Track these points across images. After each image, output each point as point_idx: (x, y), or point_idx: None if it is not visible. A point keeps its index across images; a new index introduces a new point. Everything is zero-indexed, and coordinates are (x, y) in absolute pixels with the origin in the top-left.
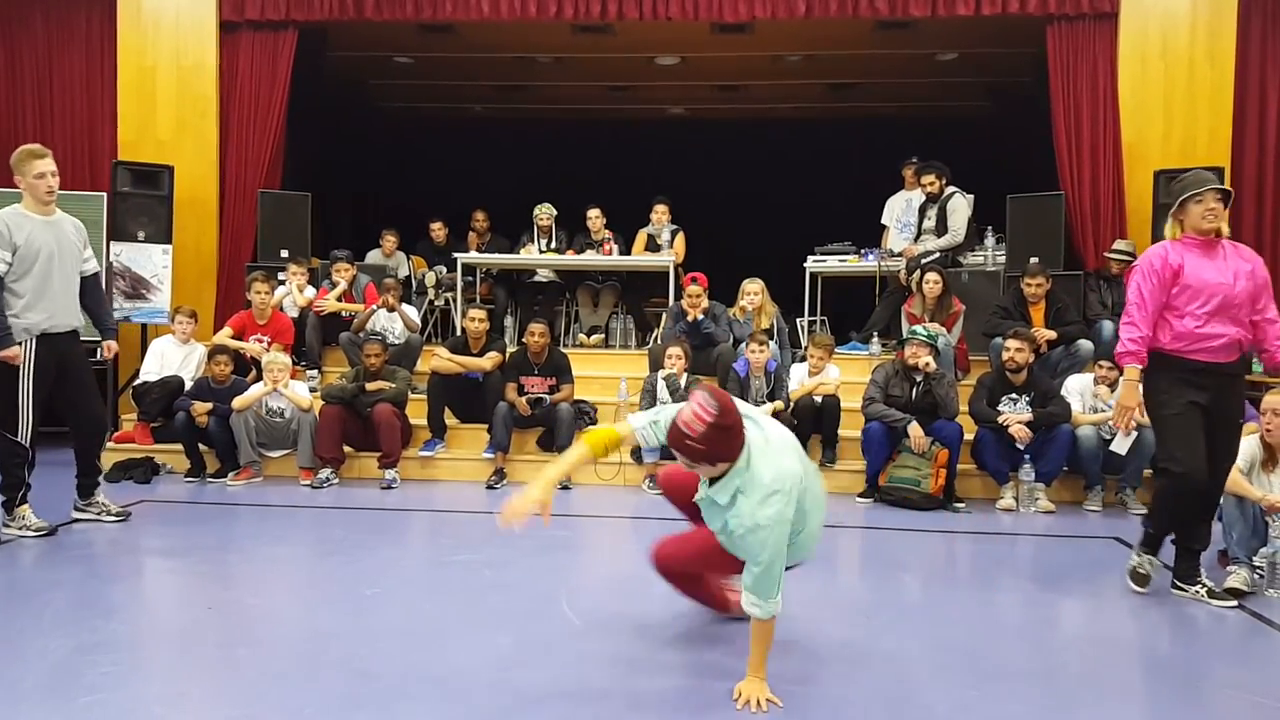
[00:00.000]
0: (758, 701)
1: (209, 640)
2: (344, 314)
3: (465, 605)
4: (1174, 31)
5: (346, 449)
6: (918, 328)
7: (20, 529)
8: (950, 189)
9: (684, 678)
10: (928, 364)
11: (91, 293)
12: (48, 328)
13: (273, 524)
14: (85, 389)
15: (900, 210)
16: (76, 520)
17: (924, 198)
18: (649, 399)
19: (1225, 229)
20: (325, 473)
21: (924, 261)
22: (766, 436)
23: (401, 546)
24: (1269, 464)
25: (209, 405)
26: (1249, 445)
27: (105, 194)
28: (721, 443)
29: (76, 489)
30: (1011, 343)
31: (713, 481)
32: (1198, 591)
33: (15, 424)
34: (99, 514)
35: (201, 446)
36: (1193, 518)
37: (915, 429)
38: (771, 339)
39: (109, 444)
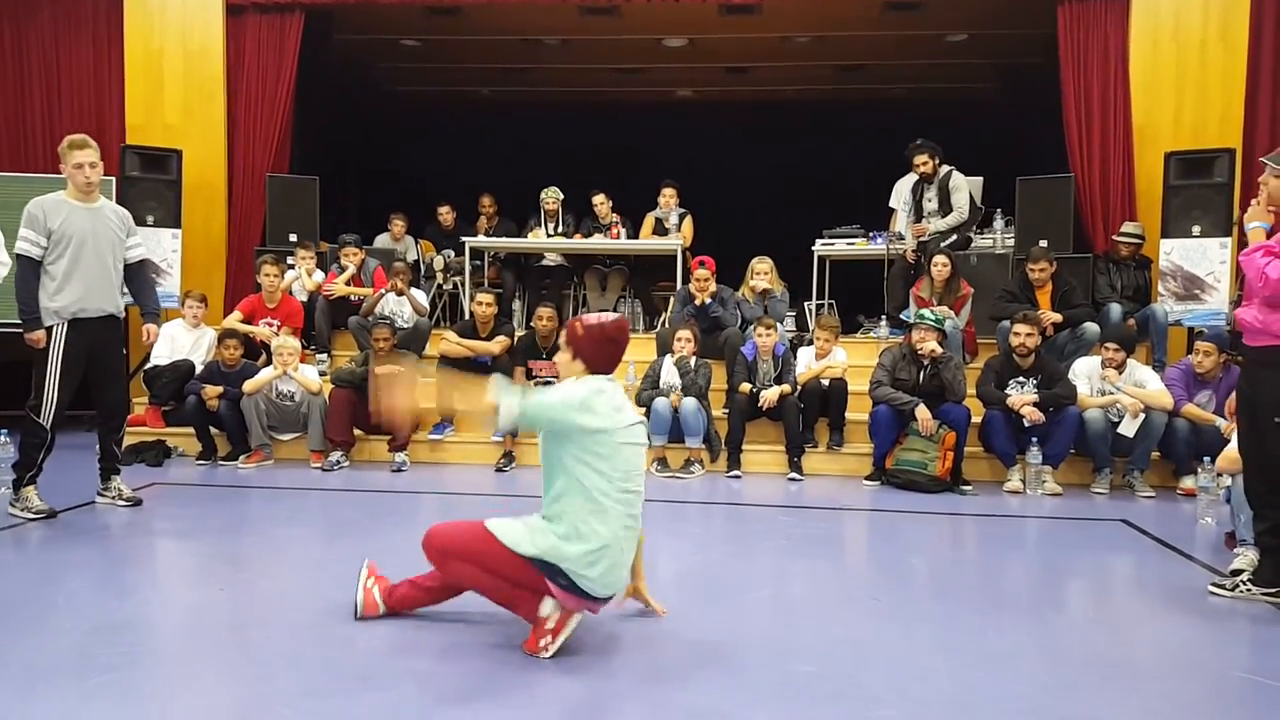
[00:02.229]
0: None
1: (221, 621)
2: (353, 298)
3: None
4: (1186, 12)
5: (356, 432)
6: (925, 311)
7: (22, 510)
8: (945, 168)
9: (687, 660)
10: (933, 350)
11: (135, 278)
12: (78, 311)
13: (283, 506)
14: (111, 375)
15: (909, 193)
16: (94, 503)
17: (916, 178)
18: (650, 383)
19: None
20: (335, 455)
21: (941, 244)
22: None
23: (411, 529)
24: None
25: (220, 389)
26: None
27: (114, 178)
28: (593, 346)
29: (99, 473)
30: (1021, 327)
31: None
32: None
33: (39, 407)
34: (114, 498)
35: (212, 430)
36: None
37: (923, 412)
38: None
39: None
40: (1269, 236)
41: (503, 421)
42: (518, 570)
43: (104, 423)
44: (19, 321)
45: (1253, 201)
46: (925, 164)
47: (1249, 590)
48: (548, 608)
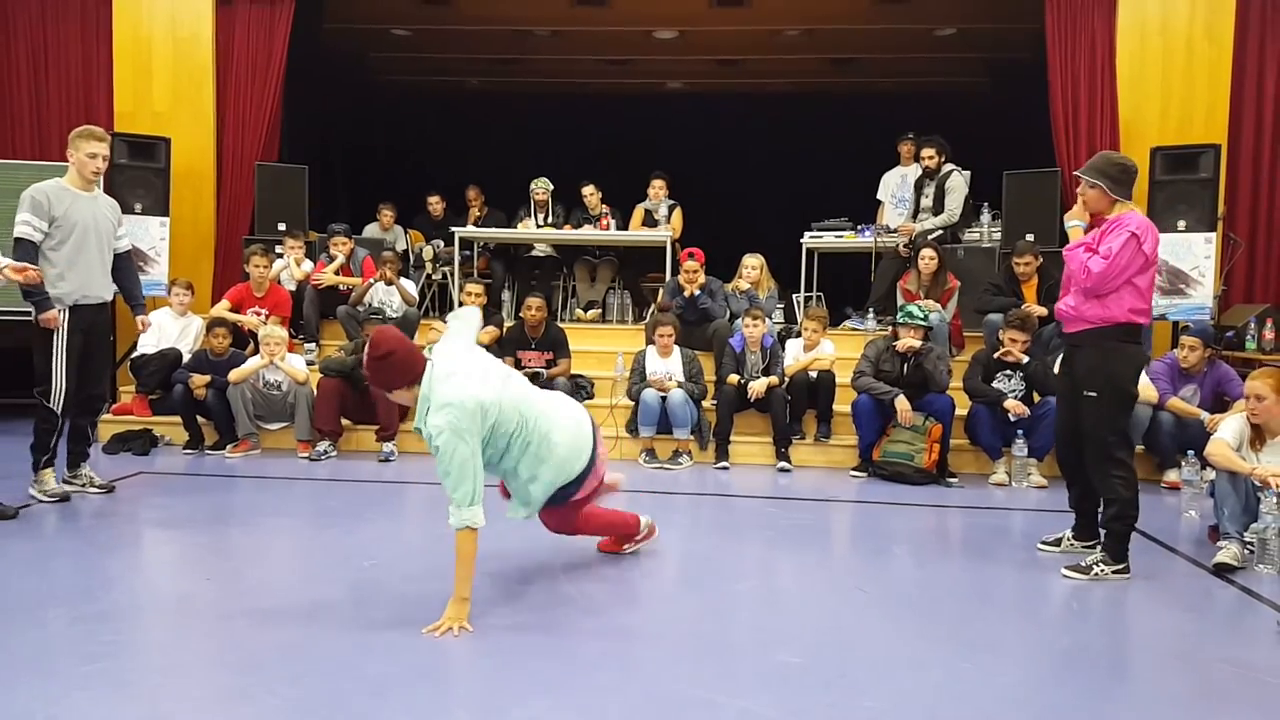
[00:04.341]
0: (448, 629)
1: (207, 611)
2: (341, 287)
3: None
4: (1173, 8)
5: (344, 422)
6: (911, 307)
7: (40, 492)
8: (948, 166)
9: (675, 650)
10: (910, 346)
11: (125, 268)
12: (79, 299)
13: (271, 496)
14: (101, 361)
15: (895, 186)
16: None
17: (920, 172)
18: (639, 376)
19: (1118, 210)
20: (323, 445)
21: (926, 239)
22: (469, 371)
23: (399, 519)
24: (1256, 442)
25: (207, 378)
26: (1238, 422)
27: None
28: (383, 371)
29: (67, 457)
30: (1017, 334)
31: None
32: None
33: (49, 392)
34: (84, 485)
35: (199, 419)
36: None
37: (902, 403)
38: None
39: (107, 415)
40: (1086, 234)
41: (474, 520)
42: (555, 515)
43: (86, 408)
44: (14, 309)
45: (1075, 206)
46: (931, 158)
47: (1071, 545)
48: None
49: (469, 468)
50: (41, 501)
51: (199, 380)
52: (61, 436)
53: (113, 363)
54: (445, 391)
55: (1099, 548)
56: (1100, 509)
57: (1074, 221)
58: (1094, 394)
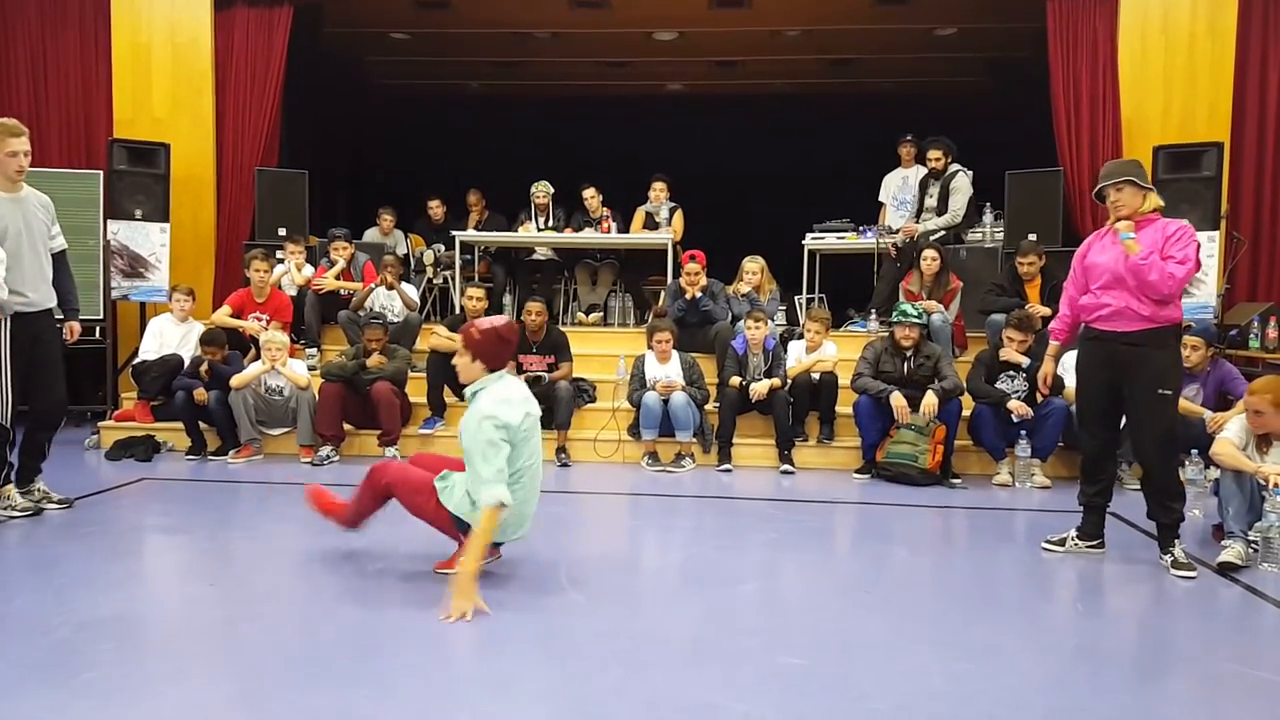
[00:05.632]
0: (461, 613)
1: (211, 617)
2: (342, 292)
3: None
4: (1175, 6)
5: (346, 427)
6: (907, 306)
7: (4, 509)
8: (954, 167)
9: (678, 653)
10: (907, 335)
11: (59, 271)
12: (22, 306)
13: (274, 501)
14: (53, 370)
15: (897, 187)
16: (70, 500)
17: (924, 173)
18: (639, 381)
19: (1150, 203)
20: (325, 450)
21: (931, 238)
22: (509, 396)
23: (402, 524)
24: (1262, 444)
25: (206, 361)
26: (1242, 422)
27: (101, 172)
28: (490, 347)
29: (16, 472)
30: (1015, 333)
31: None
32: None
33: None
34: (39, 500)
35: (202, 425)
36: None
37: (898, 399)
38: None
39: (110, 422)
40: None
41: (505, 496)
42: (440, 515)
43: (42, 421)
44: None
45: (1120, 221)
46: (938, 160)
47: (1076, 544)
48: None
49: (498, 449)
50: (14, 517)
51: (205, 358)
52: (14, 449)
53: (113, 366)
54: (493, 404)
55: (1166, 542)
56: (1108, 506)
57: (1128, 234)
58: (1169, 391)
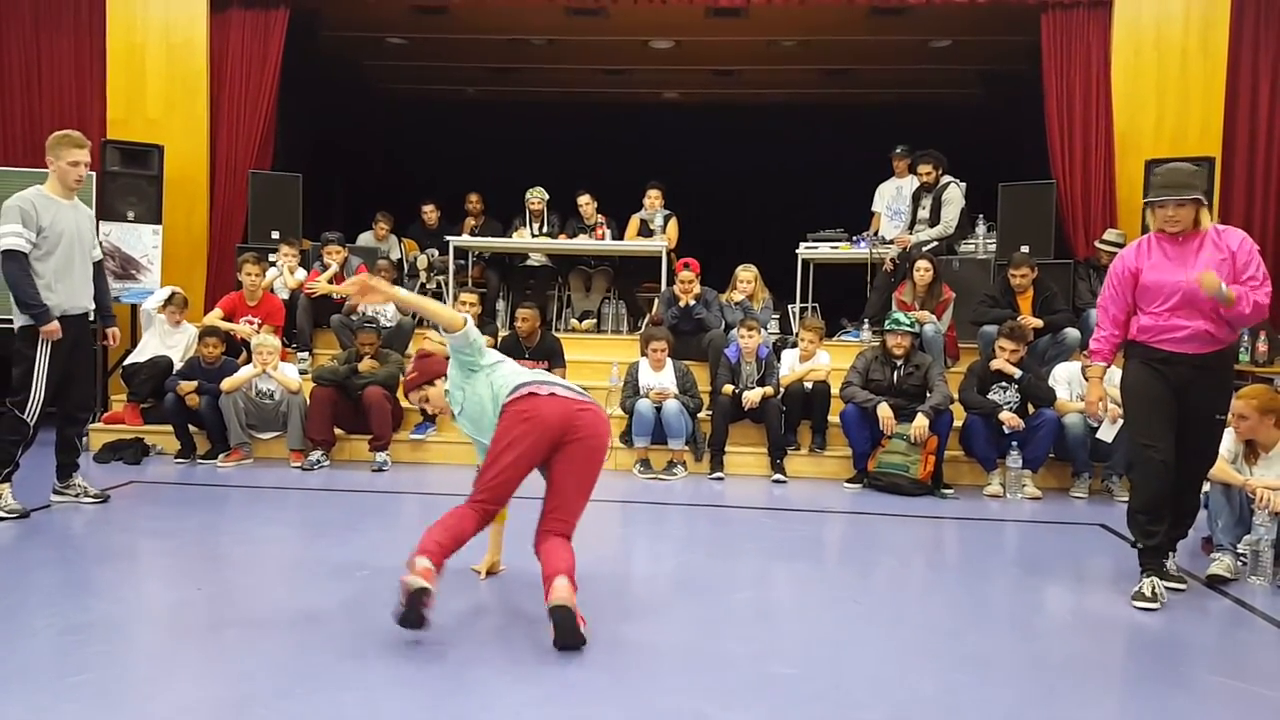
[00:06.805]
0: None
1: (198, 621)
2: (335, 296)
3: (456, 588)
4: (1168, 21)
5: (337, 431)
6: (899, 315)
7: None
8: (946, 178)
9: (668, 662)
10: (899, 343)
11: (97, 279)
12: (66, 309)
13: (263, 505)
14: (84, 372)
15: (891, 197)
16: (54, 502)
17: (916, 185)
18: (632, 389)
19: (1206, 220)
20: (316, 455)
21: (921, 251)
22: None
23: (392, 529)
24: (1251, 456)
25: (195, 383)
26: (1232, 436)
27: (94, 173)
28: (432, 364)
29: (56, 470)
30: (1007, 343)
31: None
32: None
33: (25, 402)
34: (77, 495)
35: (191, 428)
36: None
37: (884, 410)
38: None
39: (99, 424)
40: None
41: (468, 336)
42: None
43: (72, 419)
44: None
45: (1203, 275)
46: (929, 173)
47: (1162, 593)
48: None
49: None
50: (2, 519)
51: (187, 386)
52: (28, 449)
53: (97, 373)
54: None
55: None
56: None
57: (1220, 290)
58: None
